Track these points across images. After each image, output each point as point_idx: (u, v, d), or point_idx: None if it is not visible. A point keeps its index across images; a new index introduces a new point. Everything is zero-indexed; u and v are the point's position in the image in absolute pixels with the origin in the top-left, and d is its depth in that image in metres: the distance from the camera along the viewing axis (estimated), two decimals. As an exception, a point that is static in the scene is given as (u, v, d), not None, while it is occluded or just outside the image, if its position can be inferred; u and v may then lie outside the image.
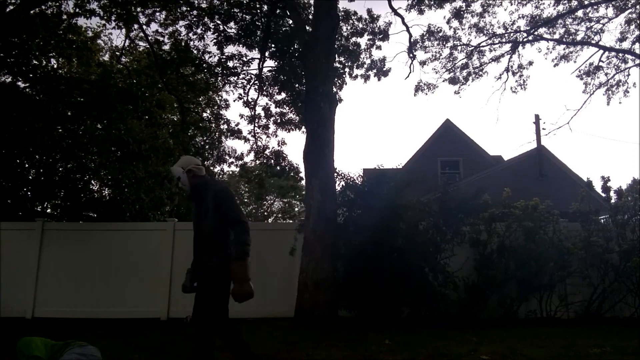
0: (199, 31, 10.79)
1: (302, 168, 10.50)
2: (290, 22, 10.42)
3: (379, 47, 11.99)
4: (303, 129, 11.46)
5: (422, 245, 6.95)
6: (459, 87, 13.01)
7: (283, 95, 11.73)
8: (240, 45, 10.92)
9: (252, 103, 11.94)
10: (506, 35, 12.67)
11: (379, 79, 12.03)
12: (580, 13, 12.08)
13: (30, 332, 4.08)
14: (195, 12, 10.66)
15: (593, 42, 12.37)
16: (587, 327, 6.36)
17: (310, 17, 9.96)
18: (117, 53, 12.15)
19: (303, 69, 9.80)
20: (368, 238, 6.86)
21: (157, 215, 12.27)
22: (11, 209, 10.17)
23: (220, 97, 14.11)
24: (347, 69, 11.78)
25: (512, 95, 32.73)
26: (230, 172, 26.73)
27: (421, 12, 11.33)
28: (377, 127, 55.85)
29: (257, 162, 13.25)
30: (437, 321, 6.56)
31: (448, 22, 12.39)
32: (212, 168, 14.42)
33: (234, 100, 13.97)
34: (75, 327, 6.67)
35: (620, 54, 12.31)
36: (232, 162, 14.06)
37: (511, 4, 12.24)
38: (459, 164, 18.87)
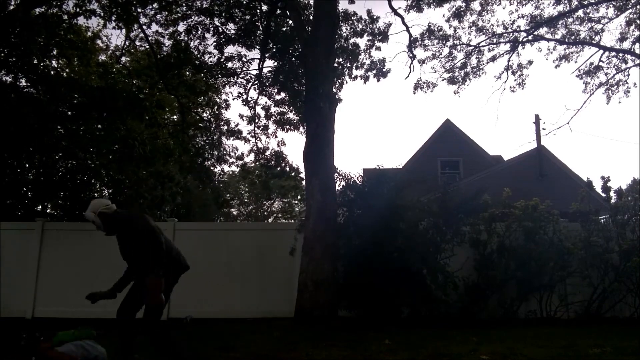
0: (198, 33, 10.79)
1: (302, 168, 10.49)
2: (290, 22, 10.41)
3: (378, 48, 12.01)
4: (303, 129, 11.46)
5: (422, 245, 6.94)
6: (458, 87, 13.03)
7: (283, 95, 11.73)
8: (240, 46, 10.93)
9: (252, 103, 11.94)
10: (506, 34, 12.68)
11: (378, 80, 12.01)
12: (580, 13, 12.10)
13: (30, 332, 4.08)
14: (195, 13, 10.65)
15: (593, 42, 12.38)
16: (587, 327, 6.35)
17: (310, 17, 9.95)
18: (117, 53, 12.15)
19: (303, 69, 9.80)
20: (368, 238, 6.86)
21: (157, 214, 12.26)
22: (11, 209, 10.18)
23: (220, 98, 14.12)
24: (346, 70, 11.78)
25: (512, 95, 32.78)
26: (231, 172, 26.77)
27: (420, 10, 11.32)
28: (377, 127, 55.89)
29: (258, 163, 13.24)
30: (437, 321, 6.55)
31: (448, 20, 12.41)
32: (212, 168, 14.43)
33: (234, 99, 13.96)
34: (75, 327, 6.64)
35: (621, 54, 12.33)
36: (232, 162, 14.07)
37: (510, 4, 12.25)
38: (459, 164, 18.88)
